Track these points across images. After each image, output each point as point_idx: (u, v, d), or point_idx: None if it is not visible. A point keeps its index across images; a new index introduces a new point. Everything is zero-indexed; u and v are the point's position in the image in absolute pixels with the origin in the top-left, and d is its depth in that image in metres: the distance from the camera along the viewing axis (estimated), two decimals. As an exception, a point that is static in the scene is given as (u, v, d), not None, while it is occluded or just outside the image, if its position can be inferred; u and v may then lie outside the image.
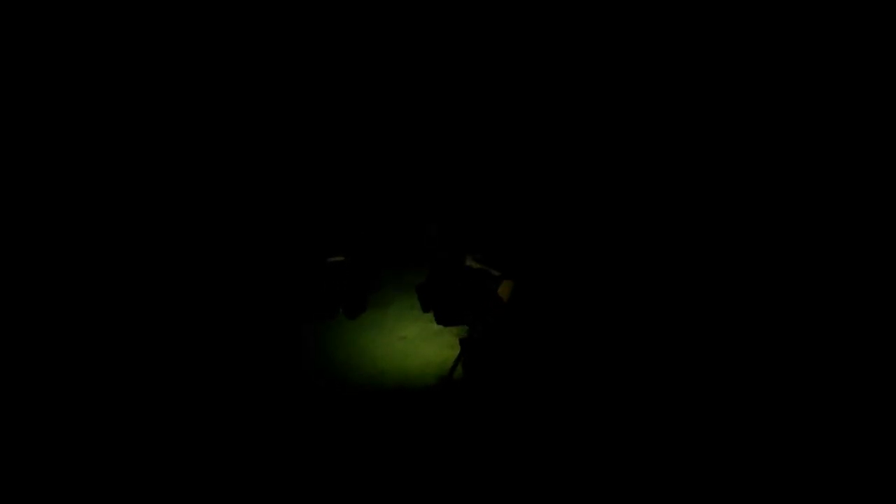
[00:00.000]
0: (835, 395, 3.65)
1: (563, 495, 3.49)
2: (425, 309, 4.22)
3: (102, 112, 5.34)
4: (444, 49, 5.83)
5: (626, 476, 3.51)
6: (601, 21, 5.19)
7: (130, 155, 5.44)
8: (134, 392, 4.17)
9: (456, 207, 5.98)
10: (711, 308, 4.29)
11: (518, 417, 3.91)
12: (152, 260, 5.12)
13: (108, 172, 5.34)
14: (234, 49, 5.69)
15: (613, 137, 5.30)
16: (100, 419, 3.98)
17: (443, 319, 4.12)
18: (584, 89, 5.47)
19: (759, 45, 4.67)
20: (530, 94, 5.68)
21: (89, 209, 5.20)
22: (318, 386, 4.18)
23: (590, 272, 4.53)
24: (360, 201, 5.04)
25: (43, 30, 5.08)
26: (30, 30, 5.05)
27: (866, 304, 3.97)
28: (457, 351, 4.32)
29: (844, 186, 4.31)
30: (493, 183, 5.79)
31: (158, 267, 5.09)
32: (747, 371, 3.93)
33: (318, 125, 5.86)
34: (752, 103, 4.72)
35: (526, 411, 3.93)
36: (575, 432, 3.85)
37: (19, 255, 4.78)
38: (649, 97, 5.19)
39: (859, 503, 3.15)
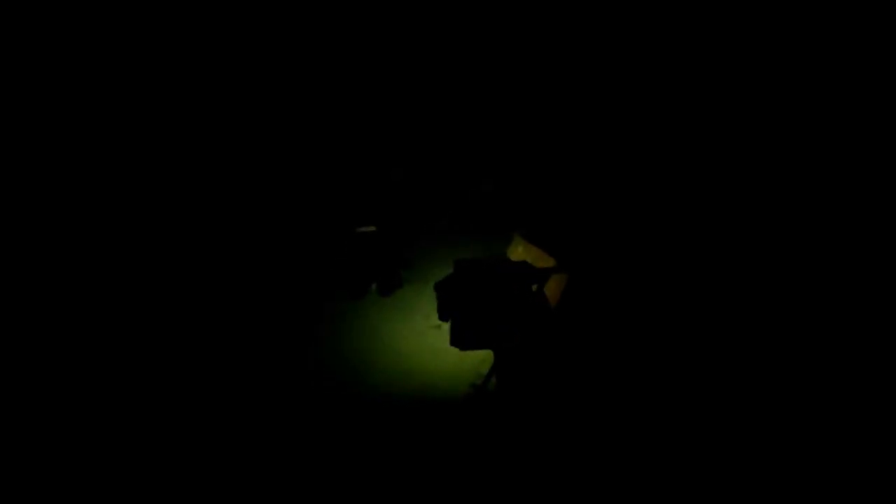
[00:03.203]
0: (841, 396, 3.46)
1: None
2: (443, 316, 3.39)
3: (121, 111, 4.97)
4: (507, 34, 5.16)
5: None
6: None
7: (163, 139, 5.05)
8: (132, 386, 3.82)
9: (508, 169, 5.18)
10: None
11: (557, 442, 3.21)
12: (170, 234, 4.69)
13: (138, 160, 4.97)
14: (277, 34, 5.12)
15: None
16: (103, 411, 3.69)
17: (459, 341, 3.29)
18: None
19: (763, 45, 4.65)
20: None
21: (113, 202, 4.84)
22: (329, 387, 3.62)
23: (662, 272, 3.62)
24: (394, 164, 4.27)
25: (43, 30, 4.78)
26: (30, 30, 4.76)
27: (866, 304, 3.81)
28: (497, 349, 3.62)
29: (845, 186, 4.23)
30: (553, 147, 4.89)
31: (175, 239, 4.66)
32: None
33: (350, 91, 5.23)
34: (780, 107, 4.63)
35: (568, 436, 3.22)
36: (623, 463, 3.12)
37: (24, 256, 4.48)
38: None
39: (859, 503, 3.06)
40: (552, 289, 3.44)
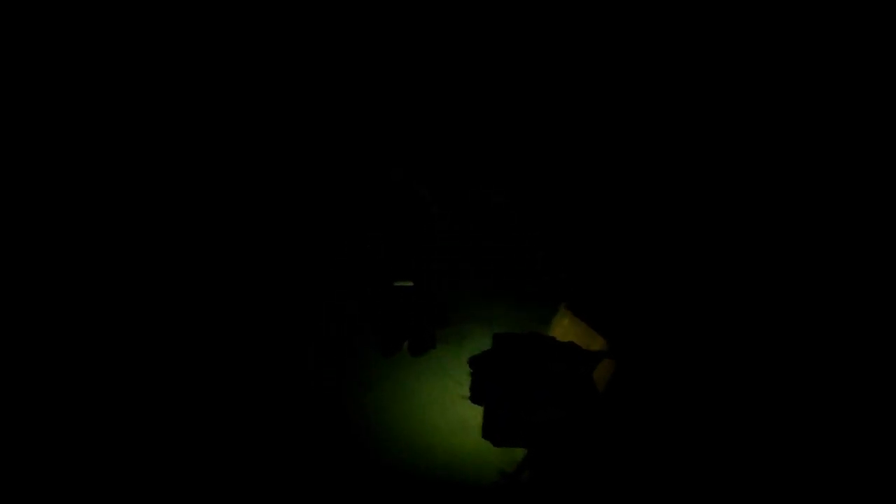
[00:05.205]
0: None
1: None
2: (476, 398, 3.02)
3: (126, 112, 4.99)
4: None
5: None
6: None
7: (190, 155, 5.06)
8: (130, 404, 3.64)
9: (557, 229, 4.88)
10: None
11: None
12: (192, 266, 4.57)
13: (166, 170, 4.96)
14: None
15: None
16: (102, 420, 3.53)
17: (492, 434, 2.90)
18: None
19: (761, 45, 4.65)
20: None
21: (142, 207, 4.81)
22: (346, 453, 3.31)
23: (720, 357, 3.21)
24: (393, 163, 4.03)
25: (43, 30, 4.81)
26: (30, 30, 4.79)
27: (866, 305, 3.64)
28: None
29: (845, 186, 4.15)
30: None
31: (198, 275, 4.52)
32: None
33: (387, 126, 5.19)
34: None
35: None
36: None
37: (24, 256, 4.42)
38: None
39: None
40: (599, 373, 3.07)
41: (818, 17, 4.44)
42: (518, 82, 5.63)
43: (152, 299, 4.34)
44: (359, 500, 3.09)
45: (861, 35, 4.32)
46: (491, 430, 2.88)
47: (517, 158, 5.69)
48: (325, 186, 5.38)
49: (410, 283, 3.98)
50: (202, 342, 4.05)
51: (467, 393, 3.75)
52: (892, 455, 2.96)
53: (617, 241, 4.44)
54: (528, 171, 5.60)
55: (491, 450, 3.35)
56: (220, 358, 3.96)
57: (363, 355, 4.07)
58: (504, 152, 5.73)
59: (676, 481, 2.93)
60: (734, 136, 4.60)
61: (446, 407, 3.65)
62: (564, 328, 3.44)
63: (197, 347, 4.01)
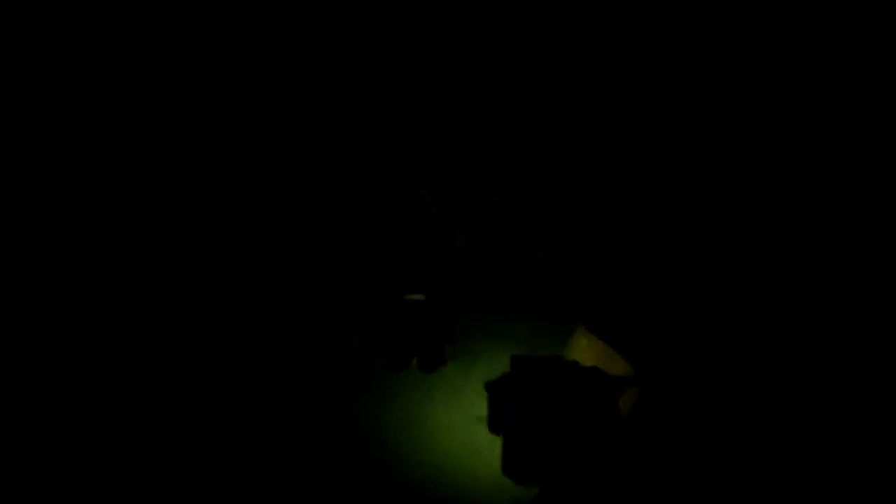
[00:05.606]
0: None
1: None
2: (494, 428, 2.90)
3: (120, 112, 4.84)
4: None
5: None
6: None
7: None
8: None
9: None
10: None
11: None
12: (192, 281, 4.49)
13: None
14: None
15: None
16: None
17: (513, 470, 2.79)
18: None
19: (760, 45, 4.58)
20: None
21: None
22: (349, 476, 3.24)
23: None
24: (393, 163, 3.97)
25: (43, 30, 4.71)
26: (30, 30, 4.70)
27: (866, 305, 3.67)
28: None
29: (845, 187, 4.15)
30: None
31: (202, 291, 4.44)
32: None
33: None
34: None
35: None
36: None
37: (19, 256, 4.30)
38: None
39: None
40: (623, 400, 3.00)
41: (818, 18, 4.38)
42: (518, 82, 5.56)
43: (151, 298, 4.25)
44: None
45: (861, 35, 4.27)
46: (511, 464, 2.79)
47: (517, 158, 5.64)
48: (325, 186, 5.31)
49: (421, 297, 3.90)
50: (200, 342, 3.99)
51: (481, 414, 3.70)
52: None
53: (633, 249, 4.35)
54: (528, 171, 5.55)
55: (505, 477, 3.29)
56: (219, 358, 3.90)
57: (370, 370, 3.99)
58: (504, 152, 5.68)
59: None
60: (749, 129, 4.50)
61: (459, 428, 3.58)
62: (582, 350, 3.36)
63: (195, 347, 3.95)
